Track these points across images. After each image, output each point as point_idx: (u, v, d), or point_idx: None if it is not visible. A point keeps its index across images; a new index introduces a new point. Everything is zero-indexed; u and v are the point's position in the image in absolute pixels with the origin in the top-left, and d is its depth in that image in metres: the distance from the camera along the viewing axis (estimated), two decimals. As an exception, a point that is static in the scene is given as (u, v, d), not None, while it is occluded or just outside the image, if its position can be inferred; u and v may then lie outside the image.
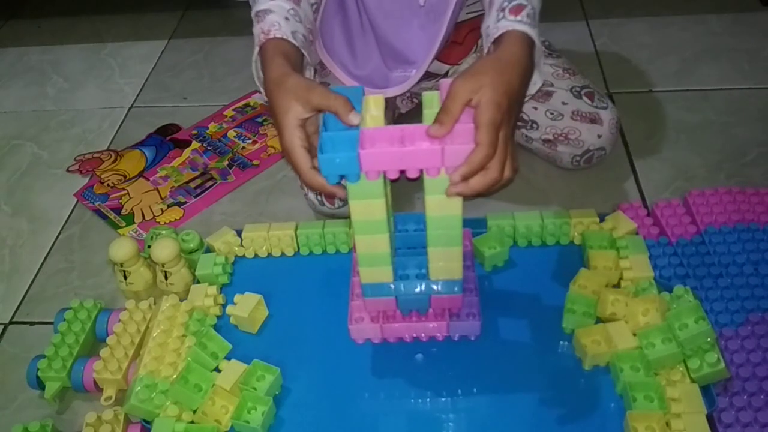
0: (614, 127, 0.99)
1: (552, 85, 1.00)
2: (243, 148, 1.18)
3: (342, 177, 0.60)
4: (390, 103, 1.07)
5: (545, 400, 0.73)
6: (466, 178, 0.59)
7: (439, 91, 0.63)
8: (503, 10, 0.70)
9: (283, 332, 0.83)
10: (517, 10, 0.69)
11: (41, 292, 0.97)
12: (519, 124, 1.02)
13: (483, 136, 0.58)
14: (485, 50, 0.71)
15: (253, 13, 0.78)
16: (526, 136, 1.02)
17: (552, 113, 0.98)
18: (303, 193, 0.99)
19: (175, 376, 0.76)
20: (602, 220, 0.89)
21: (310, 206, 1.00)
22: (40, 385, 0.81)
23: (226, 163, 1.16)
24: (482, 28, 0.74)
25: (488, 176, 0.60)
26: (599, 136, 0.97)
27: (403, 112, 1.11)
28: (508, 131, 0.61)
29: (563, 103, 0.98)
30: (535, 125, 1.00)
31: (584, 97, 0.99)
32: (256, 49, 0.75)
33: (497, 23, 0.69)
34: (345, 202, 0.95)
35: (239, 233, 0.93)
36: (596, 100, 0.99)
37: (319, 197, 0.96)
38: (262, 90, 0.72)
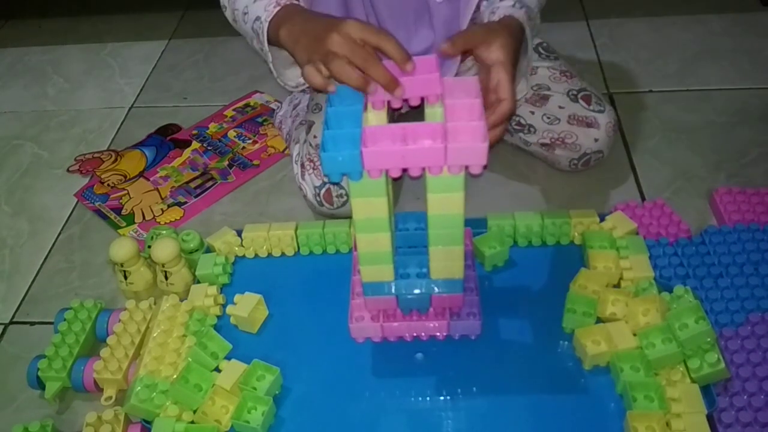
0: (611, 131, 0.98)
1: (549, 89, 0.99)
2: (243, 148, 1.18)
3: (344, 175, 0.60)
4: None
5: (545, 400, 0.73)
6: (494, 126, 0.70)
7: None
8: None
9: (283, 332, 0.83)
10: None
11: (41, 292, 0.97)
12: (516, 128, 1.02)
13: (509, 92, 0.69)
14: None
15: (242, 6, 0.80)
16: (524, 140, 1.02)
17: (548, 117, 0.98)
18: (302, 194, 0.99)
19: (175, 376, 0.76)
20: (602, 220, 0.89)
21: (309, 207, 1.00)
22: (41, 385, 0.81)
23: (226, 163, 1.16)
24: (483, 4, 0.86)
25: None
26: (596, 140, 0.97)
27: (403, 112, 1.11)
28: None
29: (560, 107, 0.98)
30: (532, 129, 1.00)
31: (581, 101, 0.98)
32: (271, 13, 0.76)
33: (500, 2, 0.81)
34: (343, 203, 0.96)
35: (239, 233, 0.93)
36: (593, 103, 0.98)
37: (318, 198, 0.96)
38: (268, 53, 0.78)
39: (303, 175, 0.98)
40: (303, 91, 1.15)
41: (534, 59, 1.02)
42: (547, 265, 0.87)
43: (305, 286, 0.88)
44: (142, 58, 1.48)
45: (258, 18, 0.77)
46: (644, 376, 0.71)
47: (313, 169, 0.96)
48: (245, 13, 0.80)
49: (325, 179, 0.95)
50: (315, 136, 0.98)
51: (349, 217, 0.93)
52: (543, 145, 1.00)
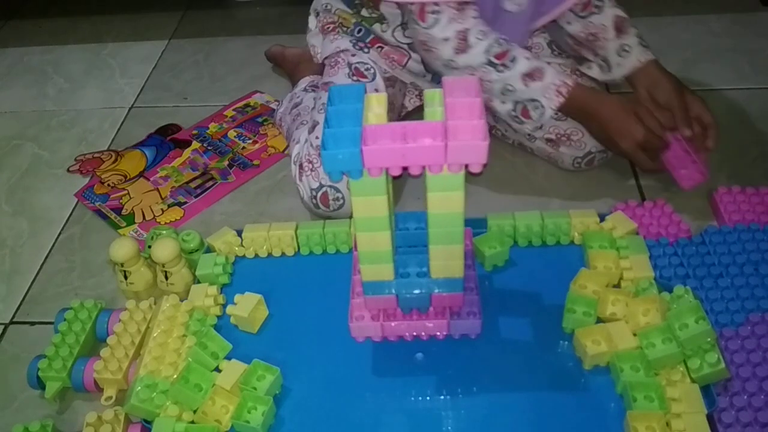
0: None
1: None
2: (243, 148, 1.19)
3: (344, 173, 0.60)
4: (397, 101, 1.07)
5: (545, 399, 0.73)
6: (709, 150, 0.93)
7: (440, 89, 0.63)
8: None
9: (283, 332, 0.83)
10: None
11: (42, 292, 0.97)
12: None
13: (711, 117, 0.93)
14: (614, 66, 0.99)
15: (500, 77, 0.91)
16: (530, 134, 1.02)
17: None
18: (300, 197, 0.99)
19: (175, 375, 0.76)
20: (602, 220, 0.89)
21: (306, 208, 1.00)
22: (41, 384, 0.81)
23: (226, 163, 1.16)
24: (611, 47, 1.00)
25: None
26: None
27: (410, 109, 1.10)
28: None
29: None
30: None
31: None
32: (555, 102, 0.92)
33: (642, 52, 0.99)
34: (340, 206, 0.96)
35: (239, 233, 0.93)
36: None
37: (314, 200, 0.96)
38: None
39: (300, 177, 0.97)
40: (305, 90, 1.15)
41: (546, 55, 1.03)
42: (547, 265, 0.87)
43: (305, 286, 0.88)
44: (142, 58, 1.48)
45: (534, 100, 0.91)
46: (644, 376, 0.71)
47: (311, 170, 0.96)
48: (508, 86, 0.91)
49: (323, 182, 0.95)
50: (317, 137, 0.98)
51: (345, 218, 0.94)
52: (548, 140, 1.00)
